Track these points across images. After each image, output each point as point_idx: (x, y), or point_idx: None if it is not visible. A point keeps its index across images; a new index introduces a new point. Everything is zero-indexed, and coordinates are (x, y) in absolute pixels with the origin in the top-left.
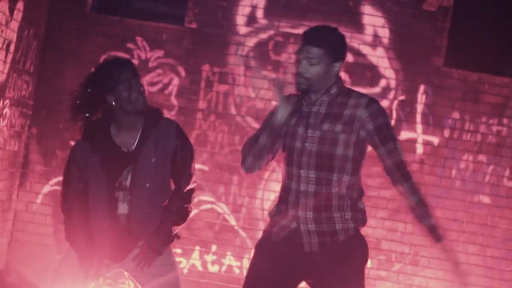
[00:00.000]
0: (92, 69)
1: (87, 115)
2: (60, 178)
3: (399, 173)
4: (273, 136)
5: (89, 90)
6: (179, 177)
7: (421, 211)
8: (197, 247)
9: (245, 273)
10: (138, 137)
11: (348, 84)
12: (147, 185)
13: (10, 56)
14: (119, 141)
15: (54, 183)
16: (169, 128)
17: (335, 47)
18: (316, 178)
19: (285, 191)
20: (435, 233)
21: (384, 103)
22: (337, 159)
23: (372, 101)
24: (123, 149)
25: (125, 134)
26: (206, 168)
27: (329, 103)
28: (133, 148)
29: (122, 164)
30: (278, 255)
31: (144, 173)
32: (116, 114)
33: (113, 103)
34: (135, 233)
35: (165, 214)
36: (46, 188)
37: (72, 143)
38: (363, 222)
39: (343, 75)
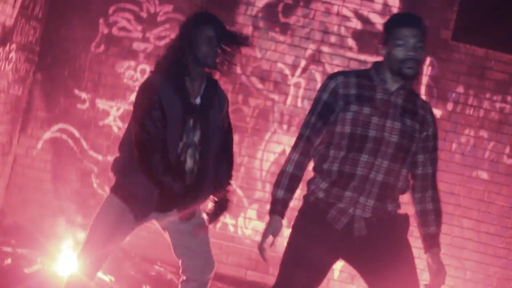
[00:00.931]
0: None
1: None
2: (61, 125)
3: (433, 180)
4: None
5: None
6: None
7: (435, 218)
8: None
9: (239, 231)
10: (202, 92)
11: (355, 51)
12: (213, 143)
13: (19, 1)
14: (189, 89)
15: (55, 130)
16: (222, 92)
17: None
18: (387, 168)
19: (345, 176)
20: (435, 241)
21: None
22: (409, 154)
23: (431, 109)
24: (191, 100)
25: (192, 84)
26: None
27: (406, 97)
28: (198, 102)
29: (189, 114)
30: (323, 235)
31: (212, 132)
32: (188, 62)
33: (189, 52)
34: (197, 189)
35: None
36: (47, 135)
37: (76, 91)
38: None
39: (351, 42)
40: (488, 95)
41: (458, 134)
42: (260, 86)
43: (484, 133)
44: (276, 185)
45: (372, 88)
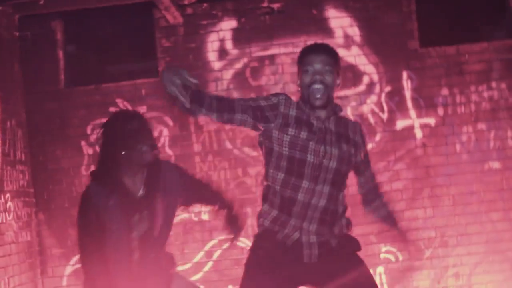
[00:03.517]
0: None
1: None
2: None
3: (376, 191)
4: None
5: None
6: None
7: (392, 219)
8: (230, 286)
9: None
10: (143, 182)
11: None
12: (156, 233)
13: None
14: (128, 186)
15: (74, 263)
16: (170, 168)
17: (338, 60)
18: (329, 193)
19: (287, 201)
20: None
21: (372, 98)
22: (345, 178)
23: (361, 126)
24: (134, 194)
25: (132, 180)
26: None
27: (336, 123)
28: (141, 193)
29: (134, 209)
30: (275, 265)
31: (155, 222)
32: (123, 162)
33: (123, 152)
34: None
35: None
36: (68, 269)
37: None
38: (349, 227)
39: None
40: (473, 89)
41: (457, 135)
42: (254, 154)
43: (482, 125)
44: None
45: (308, 114)
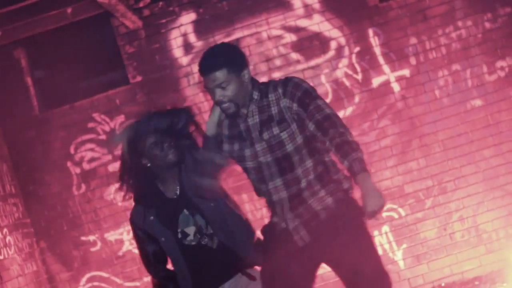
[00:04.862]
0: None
1: (131, 181)
2: (88, 275)
3: (330, 122)
4: None
5: (125, 159)
6: None
7: (349, 146)
8: None
9: None
10: (178, 183)
11: (303, 61)
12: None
13: None
14: (166, 191)
15: (84, 283)
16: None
17: (233, 60)
18: (284, 182)
19: (271, 206)
20: (357, 167)
21: (344, 62)
22: (293, 155)
23: (285, 84)
24: (172, 197)
25: (171, 183)
26: None
27: (259, 110)
28: (178, 193)
29: (175, 211)
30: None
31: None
32: (155, 171)
33: (149, 165)
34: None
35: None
36: None
37: (83, 238)
38: (343, 188)
39: (296, 55)
40: (440, 32)
41: (434, 81)
42: None
43: (456, 66)
44: None
45: (236, 122)
